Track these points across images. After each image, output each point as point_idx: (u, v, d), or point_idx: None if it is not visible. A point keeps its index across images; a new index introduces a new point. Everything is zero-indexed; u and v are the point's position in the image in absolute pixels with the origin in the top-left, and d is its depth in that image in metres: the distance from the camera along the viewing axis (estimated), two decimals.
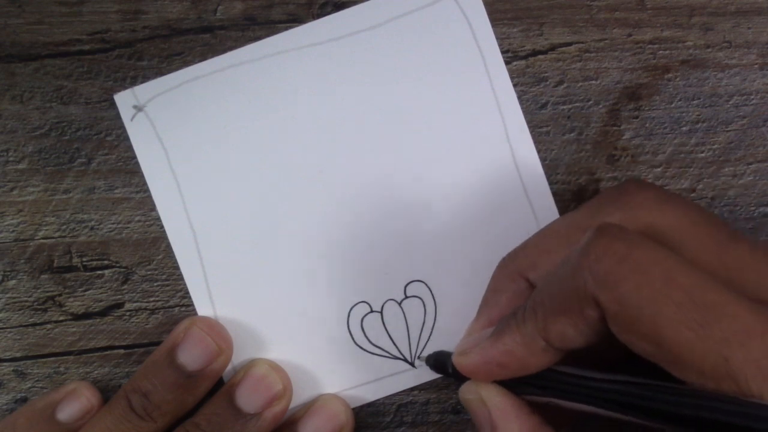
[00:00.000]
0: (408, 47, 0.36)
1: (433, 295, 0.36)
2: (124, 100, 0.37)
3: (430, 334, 0.36)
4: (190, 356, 0.34)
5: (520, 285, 0.32)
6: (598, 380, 0.27)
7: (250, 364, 0.35)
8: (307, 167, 0.36)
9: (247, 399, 0.34)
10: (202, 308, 0.36)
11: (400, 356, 0.36)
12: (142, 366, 0.35)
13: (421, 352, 0.36)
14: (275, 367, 0.36)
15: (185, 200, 0.36)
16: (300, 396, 0.36)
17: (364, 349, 0.36)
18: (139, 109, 0.36)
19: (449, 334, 0.36)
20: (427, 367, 0.36)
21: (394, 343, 0.36)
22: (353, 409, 0.37)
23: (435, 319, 0.36)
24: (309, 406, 0.36)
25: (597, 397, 0.27)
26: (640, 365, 0.28)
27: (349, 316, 0.36)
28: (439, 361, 0.34)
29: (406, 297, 0.36)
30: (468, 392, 0.31)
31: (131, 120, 0.36)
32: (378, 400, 0.37)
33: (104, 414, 0.35)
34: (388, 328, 0.36)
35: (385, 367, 0.36)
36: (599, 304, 0.26)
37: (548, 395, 0.29)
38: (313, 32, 0.36)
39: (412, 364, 0.36)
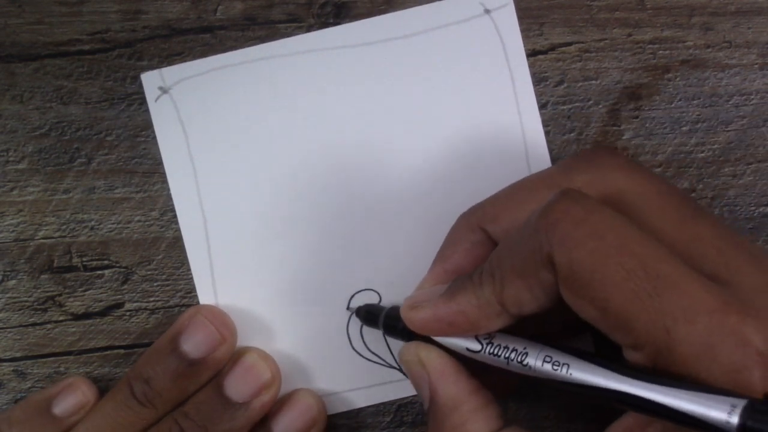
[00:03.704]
0: (438, 59, 0.36)
1: None
2: (150, 80, 0.37)
3: None
4: (193, 344, 0.34)
5: (479, 237, 0.31)
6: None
7: (238, 353, 0.35)
8: (324, 167, 0.36)
9: (236, 388, 0.34)
10: (205, 296, 0.36)
11: (396, 366, 0.36)
12: (146, 353, 0.35)
13: None
14: (264, 356, 0.35)
15: (200, 186, 0.36)
16: (290, 390, 0.36)
17: (361, 355, 0.36)
18: (164, 90, 0.36)
19: None
20: None
21: (391, 352, 0.36)
22: (345, 413, 0.37)
23: None
24: (282, 401, 0.35)
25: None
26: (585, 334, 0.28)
27: (349, 320, 0.36)
28: (371, 314, 0.34)
29: None
30: (407, 354, 0.31)
31: (155, 101, 0.36)
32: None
33: (106, 400, 0.35)
34: (387, 337, 0.36)
35: (380, 374, 0.36)
36: (554, 267, 0.26)
37: (489, 360, 0.29)
38: (347, 35, 0.36)
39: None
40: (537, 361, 0.27)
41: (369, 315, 0.35)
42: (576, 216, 0.26)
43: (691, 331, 0.24)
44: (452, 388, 0.29)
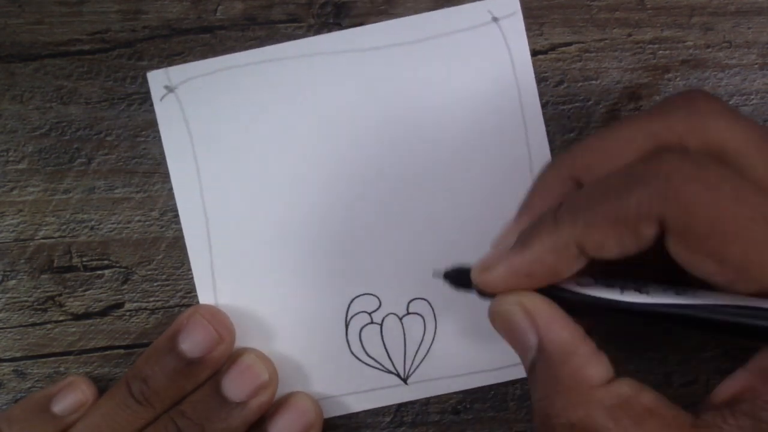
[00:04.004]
0: (444, 66, 0.36)
1: (434, 314, 0.36)
2: (156, 78, 0.37)
3: (427, 353, 0.36)
4: (191, 343, 0.34)
5: (567, 187, 0.30)
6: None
7: (236, 354, 0.35)
8: (327, 170, 0.36)
9: (233, 387, 0.34)
10: (205, 296, 0.36)
11: (393, 371, 0.36)
12: (144, 353, 0.35)
13: (415, 370, 0.36)
14: (262, 356, 0.36)
15: (203, 186, 0.37)
16: (287, 392, 0.36)
17: (359, 359, 0.36)
18: (170, 89, 0.36)
19: (446, 355, 0.36)
20: (418, 383, 0.36)
21: (390, 357, 0.36)
22: (340, 417, 0.37)
23: (433, 339, 0.36)
24: (279, 404, 0.35)
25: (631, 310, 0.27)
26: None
27: (348, 324, 0.36)
28: (462, 276, 0.30)
29: (408, 313, 0.36)
30: (505, 303, 0.29)
31: (160, 100, 0.36)
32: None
33: (105, 400, 0.35)
34: (385, 342, 0.36)
35: (377, 379, 0.36)
36: (662, 222, 0.26)
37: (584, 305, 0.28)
38: (354, 39, 0.36)
39: (404, 380, 0.36)
40: (656, 287, 0.27)
41: (460, 278, 0.31)
42: (688, 171, 0.26)
43: None
44: (565, 333, 0.28)
